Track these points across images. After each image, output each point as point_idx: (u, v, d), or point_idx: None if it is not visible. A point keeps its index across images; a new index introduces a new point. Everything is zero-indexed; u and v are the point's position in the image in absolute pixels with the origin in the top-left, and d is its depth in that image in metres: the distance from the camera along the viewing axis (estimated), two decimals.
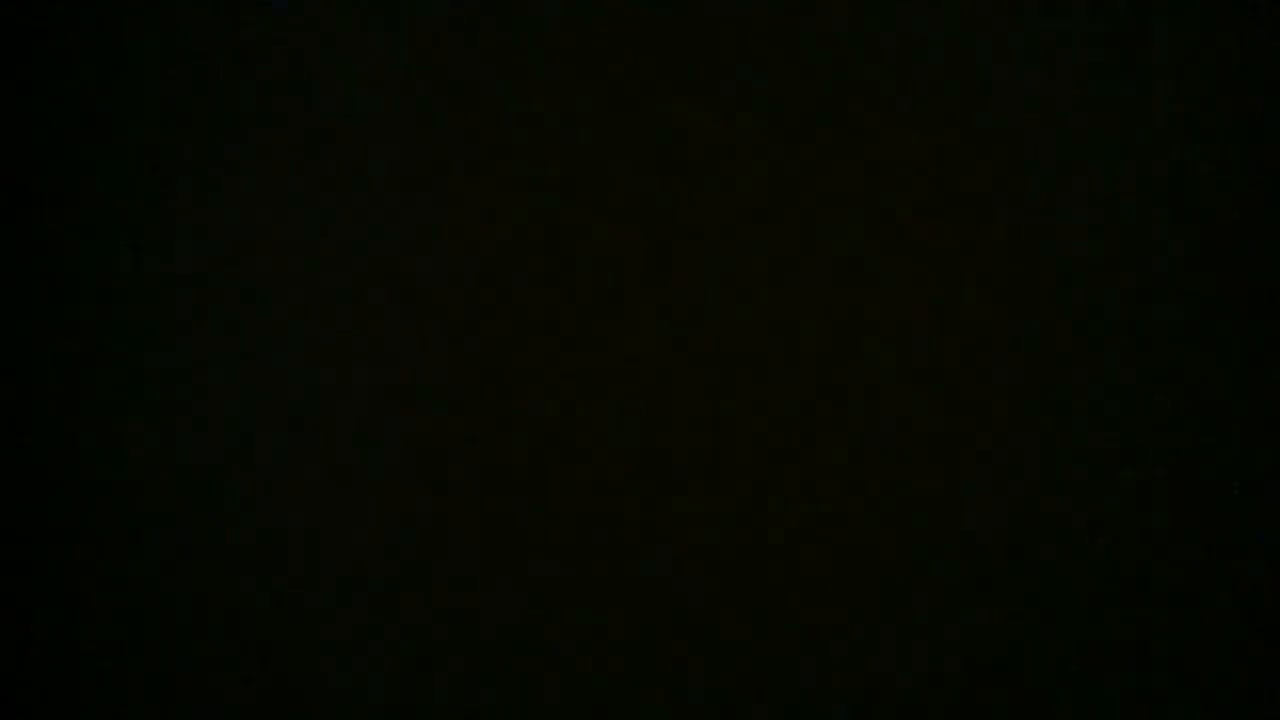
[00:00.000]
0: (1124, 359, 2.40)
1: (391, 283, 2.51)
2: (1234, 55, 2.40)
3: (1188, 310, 2.39)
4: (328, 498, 2.50)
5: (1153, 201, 2.41)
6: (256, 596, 2.50)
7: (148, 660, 2.52)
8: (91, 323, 2.55)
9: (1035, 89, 2.42)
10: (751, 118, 2.47)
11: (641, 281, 2.47)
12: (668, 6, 2.48)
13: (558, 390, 2.48)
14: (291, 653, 2.49)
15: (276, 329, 2.52)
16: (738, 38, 2.47)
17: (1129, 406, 2.40)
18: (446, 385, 2.49)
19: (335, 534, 2.50)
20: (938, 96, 2.44)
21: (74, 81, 2.57)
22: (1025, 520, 2.40)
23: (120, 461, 2.53)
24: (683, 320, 2.46)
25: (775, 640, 2.43)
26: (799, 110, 2.46)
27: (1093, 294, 2.41)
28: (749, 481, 2.44)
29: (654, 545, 2.45)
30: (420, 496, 2.49)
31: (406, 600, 2.48)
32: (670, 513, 2.45)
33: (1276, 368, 2.38)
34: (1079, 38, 2.42)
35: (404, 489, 2.49)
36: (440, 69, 2.51)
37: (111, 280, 2.56)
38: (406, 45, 2.52)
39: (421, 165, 2.51)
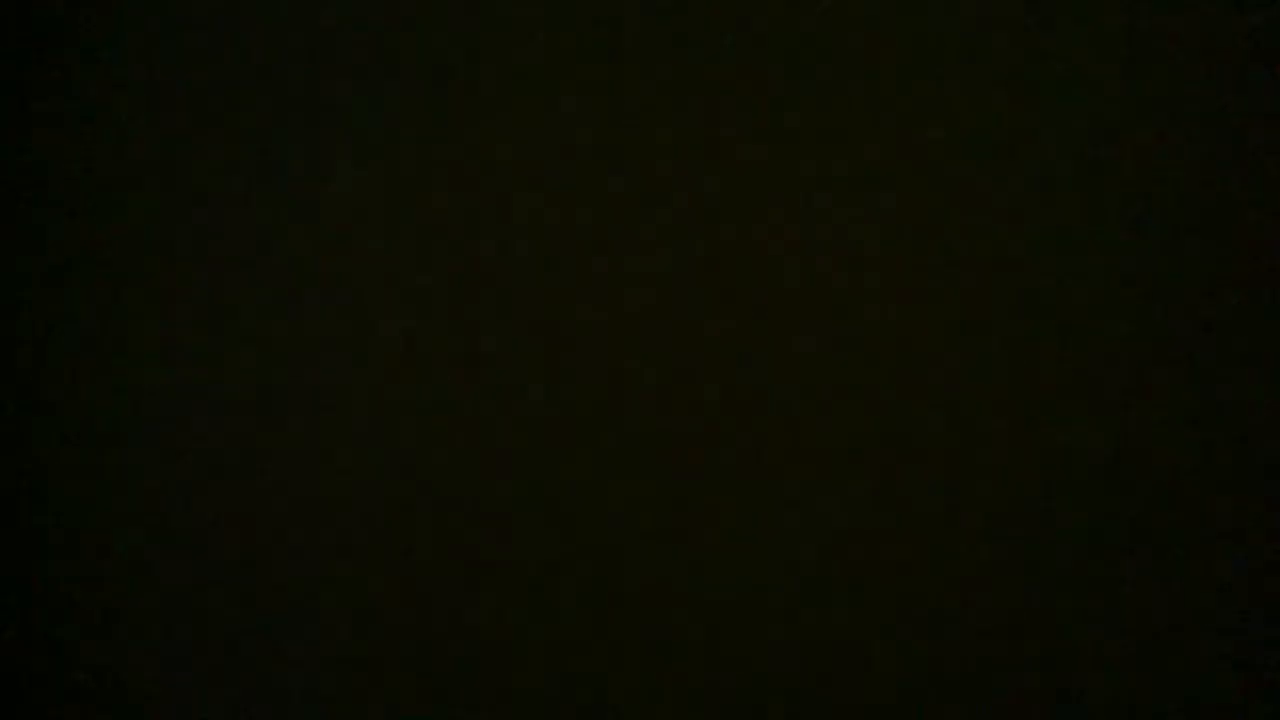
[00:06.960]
0: (1124, 359, 2.40)
1: (390, 280, 2.51)
2: (1235, 55, 2.40)
3: (1188, 310, 2.40)
4: (325, 498, 2.50)
5: (1152, 201, 2.41)
6: (255, 598, 2.50)
7: (145, 659, 2.52)
8: (89, 322, 2.55)
9: (1039, 91, 2.42)
10: (751, 116, 2.47)
11: (641, 281, 2.47)
12: (668, 6, 2.48)
13: (558, 389, 2.48)
14: (288, 655, 2.50)
15: (276, 328, 2.52)
16: (739, 33, 2.47)
17: (1130, 406, 2.40)
18: (444, 384, 2.49)
19: (334, 535, 2.50)
20: (938, 97, 2.44)
21: (72, 80, 2.57)
22: (1024, 520, 2.41)
23: (117, 459, 2.54)
24: (683, 318, 2.46)
25: (775, 640, 2.43)
26: (798, 108, 2.46)
27: (1097, 295, 2.41)
28: (748, 481, 2.44)
29: (654, 545, 2.45)
30: (417, 494, 2.49)
31: (405, 602, 2.48)
32: (670, 511, 2.45)
33: (1276, 368, 2.38)
34: (1080, 36, 2.42)
35: (402, 488, 2.49)
36: (438, 67, 2.51)
37: (110, 280, 2.56)
38: (405, 44, 2.52)
39: (420, 164, 2.51)
